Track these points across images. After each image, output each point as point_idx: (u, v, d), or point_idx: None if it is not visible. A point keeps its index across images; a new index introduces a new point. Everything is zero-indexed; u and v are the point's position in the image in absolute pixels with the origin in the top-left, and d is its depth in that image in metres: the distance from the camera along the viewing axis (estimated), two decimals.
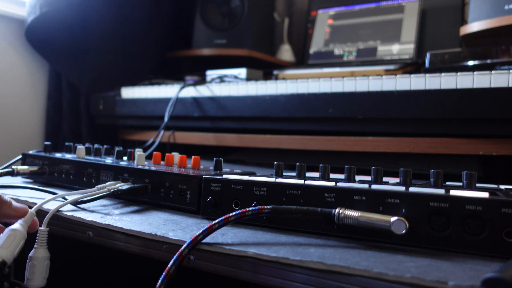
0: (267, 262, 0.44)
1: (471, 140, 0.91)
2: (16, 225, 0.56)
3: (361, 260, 0.42)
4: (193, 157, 0.73)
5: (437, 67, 1.03)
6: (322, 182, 0.53)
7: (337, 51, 1.51)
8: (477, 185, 0.57)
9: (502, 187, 0.59)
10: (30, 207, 0.59)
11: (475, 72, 0.86)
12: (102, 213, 0.62)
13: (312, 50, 1.56)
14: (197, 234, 0.47)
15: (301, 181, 0.54)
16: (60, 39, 1.46)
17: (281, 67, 1.65)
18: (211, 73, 1.39)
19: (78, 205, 0.65)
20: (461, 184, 0.54)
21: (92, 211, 0.63)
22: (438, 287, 0.36)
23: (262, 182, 0.55)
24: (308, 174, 0.63)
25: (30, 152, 0.87)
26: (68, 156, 0.82)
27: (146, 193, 0.67)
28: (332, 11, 1.59)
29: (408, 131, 0.96)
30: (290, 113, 1.07)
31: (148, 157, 0.95)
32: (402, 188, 0.48)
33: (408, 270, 0.39)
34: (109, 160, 0.77)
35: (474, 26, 1.06)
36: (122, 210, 0.64)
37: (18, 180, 0.85)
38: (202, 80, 1.38)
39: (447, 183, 0.62)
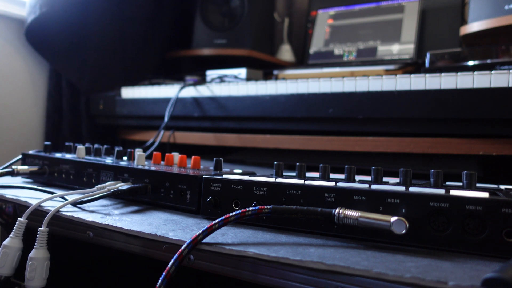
0: (267, 262, 0.44)
1: (471, 140, 0.91)
2: (8, 239, 0.58)
3: (361, 260, 0.42)
4: (193, 157, 0.73)
5: (437, 67, 1.03)
6: (322, 182, 0.53)
7: (337, 51, 1.51)
8: (477, 185, 0.57)
9: (502, 187, 0.59)
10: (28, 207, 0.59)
11: (475, 72, 0.86)
12: (102, 213, 0.62)
13: (312, 50, 1.56)
14: (197, 234, 0.47)
15: (301, 181, 0.54)
16: (60, 39, 1.46)
17: (281, 67, 1.65)
18: (211, 73, 1.39)
19: (78, 205, 0.65)
20: (461, 184, 0.54)
21: (92, 211, 0.63)
22: (438, 287, 0.36)
23: (262, 182, 0.55)
24: (308, 174, 0.63)
25: (30, 152, 0.87)
26: (68, 156, 0.82)
27: (146, 193, 0.67)
28: (332, 11, 1.59)
29: (408, 131, 0.96)
30: (290, 113, 1.07)
31: (148, 157, 0.95)
32: (402, 188, 0.48)
33: (408, 270, 0.39)
34: (109, 160, 0.77)
35: (474, 26, 1.06)
36: (122, 210, 0.64)
37: (18, 180, 0.85)
38: (202, 80, 1.38)
39: (447, 183, 0.62)
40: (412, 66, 1.26)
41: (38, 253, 0.56)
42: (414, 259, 0.42)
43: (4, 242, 0.58)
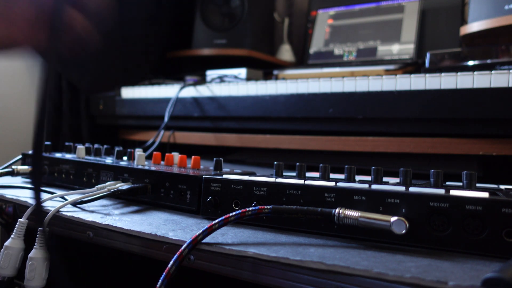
0: (267, 262, 0.44)
1: (471, 140, 0.91)
2: (10, 240, 0.58)
3: (361, 260, 0.42)
4: (193, 157, 0.73)
5: (437, 67, 1.03)
6: (322, 182, 0.53)
7: (337, 51, 1.51)
8: (477, 185, 0.57)
9: (502, 187, 0.59)
10: (27, 207, 0.59)
11: (475, 72, 0.86)
12: (102, 213, 0.62)
13: (312, 50, 1.56)
14: (197, 234, 0.47)
15: (301, 181, 0.54)
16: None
17: (281, 67, 1.65)
18: (211, 73, 1.39)
19: (78, 205, 0.65)
20: (461, 184, 0.54)
21: (92, 211, 0.63)
22: (438, 287, 0.36)
23: (262, 182, 0.55)
24: (308, 174, 0.63)
25: (30, 152, 0.87)
26: (68, 156, 0.82)
27: (146, 193, 0.67)
28: (332, 11, 1.59)
29: (408, 131, 0.96)
30: (290, 113, 1.07)
31: (148, 157, 0.95)
32: (402, 188, 0.48)
33: (408, 270, 0.39)
34: (109, 160, 0.77)
35: (474, 26, 1.06)
36: (122, 210, 0.64)
37: (18, 180, 0.85)
38: (202, 80, 1.38)
39: (447, 183, 0.62)
40: (412, 66, 1.26)
41: (38, 253, 0.56)
42: (414, 259, 0.42)
43: (6, 243, 0.58)
